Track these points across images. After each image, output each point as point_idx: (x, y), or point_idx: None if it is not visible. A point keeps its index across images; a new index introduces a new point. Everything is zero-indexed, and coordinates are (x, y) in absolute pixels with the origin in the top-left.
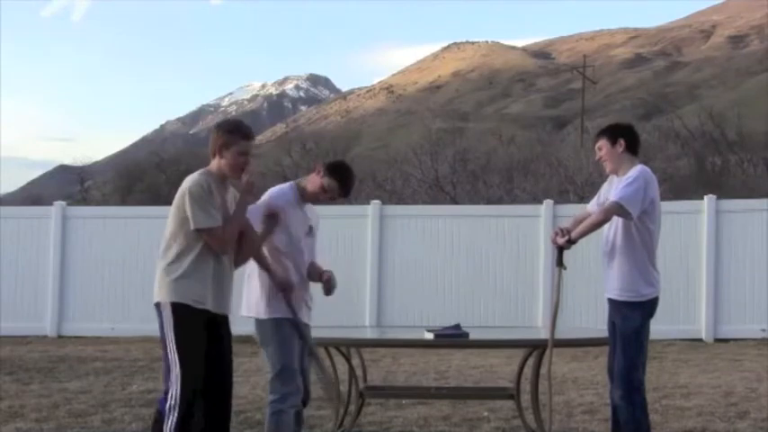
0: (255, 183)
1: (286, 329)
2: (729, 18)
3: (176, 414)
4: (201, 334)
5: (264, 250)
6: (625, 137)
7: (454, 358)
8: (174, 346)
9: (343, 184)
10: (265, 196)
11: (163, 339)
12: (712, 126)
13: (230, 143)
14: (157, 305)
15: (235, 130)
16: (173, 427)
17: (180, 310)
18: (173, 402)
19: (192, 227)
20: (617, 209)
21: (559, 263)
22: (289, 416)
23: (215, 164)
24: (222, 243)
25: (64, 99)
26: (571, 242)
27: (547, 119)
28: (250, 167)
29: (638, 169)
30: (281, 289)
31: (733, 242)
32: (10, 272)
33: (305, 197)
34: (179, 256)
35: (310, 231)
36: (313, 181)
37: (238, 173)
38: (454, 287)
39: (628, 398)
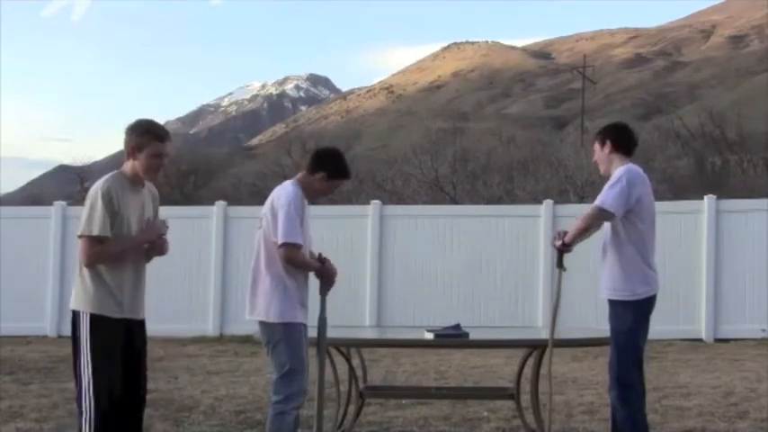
0: (162, 233)
1: (297, 332)
2: (729, 18)
3: (92, 427)
4: (118, 345)
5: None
6: (611, 138)
7: (454, 358)
8: (89, 358)
9: (347, 176)
10: (278, 199)
11: (76, 348)
12: (712, 126)
13: (143, 145)
14: (74, 313)
15: (148, 132)
16: None
17: (97, 321)
18: (87, 416)
19: (79, 231)
20: (598, 212)
21: (559, 264)
22: (291, 417)
23: (129, 165)
24: (88, 257)
25: (64, 99)
26: (566, 245)
27: (547, 119)
28: (164, 168)
29: (622, 170)
30: (328, 281)
31: (733, 242)
32: (10, 272)
33: (307, 195)
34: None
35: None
36: (320, 187)
37: (152, 175)
38: (454, 287)
39: (623, 398)
